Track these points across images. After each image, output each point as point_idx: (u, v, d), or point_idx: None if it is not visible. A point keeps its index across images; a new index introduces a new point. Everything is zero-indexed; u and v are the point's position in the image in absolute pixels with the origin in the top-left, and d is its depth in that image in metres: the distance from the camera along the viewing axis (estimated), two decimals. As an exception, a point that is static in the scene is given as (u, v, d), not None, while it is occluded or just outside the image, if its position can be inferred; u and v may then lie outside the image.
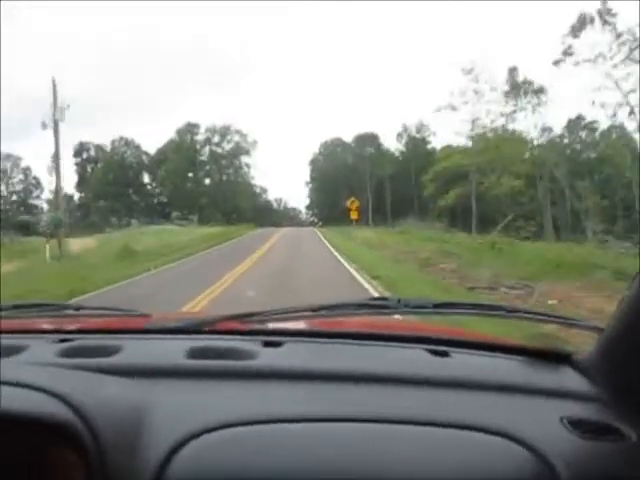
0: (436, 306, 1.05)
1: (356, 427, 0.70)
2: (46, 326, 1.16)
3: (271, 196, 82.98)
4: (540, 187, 38.91)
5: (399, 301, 1.06)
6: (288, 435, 0.68)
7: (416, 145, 65.03)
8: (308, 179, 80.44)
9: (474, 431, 0.70)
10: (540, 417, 0.76)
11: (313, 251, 20.54)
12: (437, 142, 62.93)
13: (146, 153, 68.26)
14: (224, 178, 68.76)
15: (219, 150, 68.72)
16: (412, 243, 21.69)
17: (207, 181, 68.68)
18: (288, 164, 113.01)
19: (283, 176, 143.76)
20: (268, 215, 76.17)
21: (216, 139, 68.70)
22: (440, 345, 1.00)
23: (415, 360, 0.94)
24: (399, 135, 66.70)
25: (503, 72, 37.67)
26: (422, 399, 0.79)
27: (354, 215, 31.23)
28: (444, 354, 0.96)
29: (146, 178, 69.24)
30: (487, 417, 0.73)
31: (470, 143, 40.35)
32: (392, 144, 69.11)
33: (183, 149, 65.33)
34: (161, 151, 67.06)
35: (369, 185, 65.62)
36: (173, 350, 0.91)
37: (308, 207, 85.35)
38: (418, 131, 65.30)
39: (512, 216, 26.53)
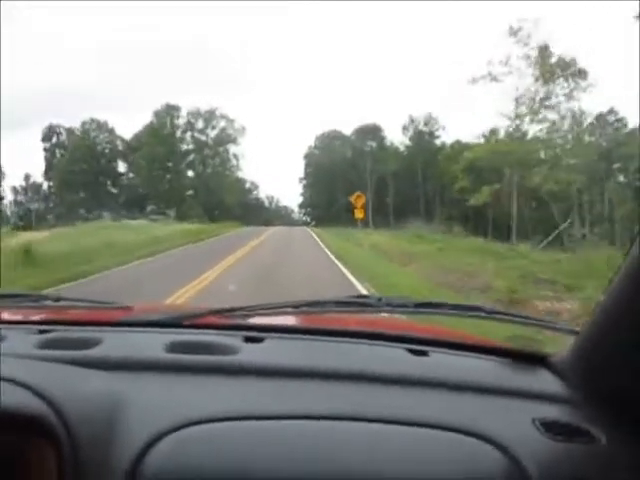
0: (417, 305, 1.07)
1: (332, 425, 0.71)
2: (24, 317, 1.14)
3: (262, 193, 78.99)
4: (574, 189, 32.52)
5: (380, 299, 1.08)
6: (265, 432, 0.68)
7: (423, 139, 58.85)
8: (302, 175, 74.51)
9: (446, 431, 0.71)
10: (512, 418, 0.77)
11: (309, 265, 14.09)
12: (447, 137, 57.46)
13: (122, 139, 61.02)
14: (208, 170, 61.49)
15: (202, 137, 61.48)
16: (446, 254, 15.44)
17: (189, 172, 61.56)
18: (281, 159, 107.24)
19: (276, 172, 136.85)
20: (258, 213, 72.80)
21: (200, 124, 61.49)
22: (420, 344, 1.00)
23: (394, 359, 0.94)
24: (404, 128, 60.37)
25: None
26: (398, 398, 0.80)
27: (359, 214, 24.85)
28: (423, 353, 0.96)
29: (122, 167, 62.17)
30: (460, 417, 0.74)
31: (482, 140, 34.19)
32: (397, 137, 62.96)
33: (161, 134, 57.80)
34: (138, 137, 59.77)
35: (370, 182, 59.38)
36: (153, 344, 0.90)
37: (301, 205, 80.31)
38: (426, 124, 59.09)
39: (569, 222, 20.61)
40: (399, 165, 59.00)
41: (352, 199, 25.48)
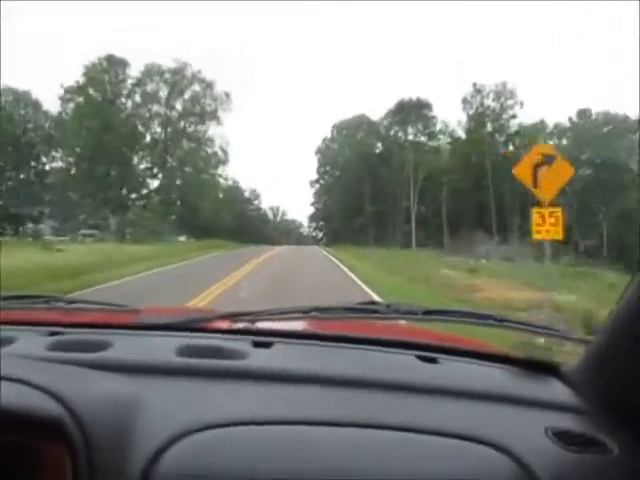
0: (425, 313, 1.07)
1: (340, 431, 0.72)
2: (35, 318, 1.16)
3: (265, 204, 67.64)
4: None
5: (389, 306, 1.09)
6: (274, 438, 0.69)
7: (492, 119, 40.73)
8: (314, 177, 57.11)
9: (458, 439, 0.71)
10: (525, 427, 0.77)
11: None
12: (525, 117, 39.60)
13: (53, 117, 41.70)
14: (174, 163, 41.73)
15: (167, 111, 41.52)
16: None
17: (155, 169, 42.22)
18: (288, 160, 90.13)
19: (281, 177, 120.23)
20: (260, 228, 60.34)
21: (162, 93, 41.22)
22: (429, 351, 1.01)
23: (403, 366, 0.94)
24: (465, 102, 42.17)
25: None
26: (409, 405, 0.80)
27: (554, 232, 6.81)
28: (433, 360, 0.97)
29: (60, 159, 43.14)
30: (472, 425, 0.74)
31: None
32: (452, 116, 44.87)
33: (96, 101, 37.81)
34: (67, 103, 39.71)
35: (412, 183, 41.51)
36: (163, 347, 0.92)
37: (312, 217, 62.88)
38: (498, 97, 40.94)
39: None
40: (455, 157, 41.05)
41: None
